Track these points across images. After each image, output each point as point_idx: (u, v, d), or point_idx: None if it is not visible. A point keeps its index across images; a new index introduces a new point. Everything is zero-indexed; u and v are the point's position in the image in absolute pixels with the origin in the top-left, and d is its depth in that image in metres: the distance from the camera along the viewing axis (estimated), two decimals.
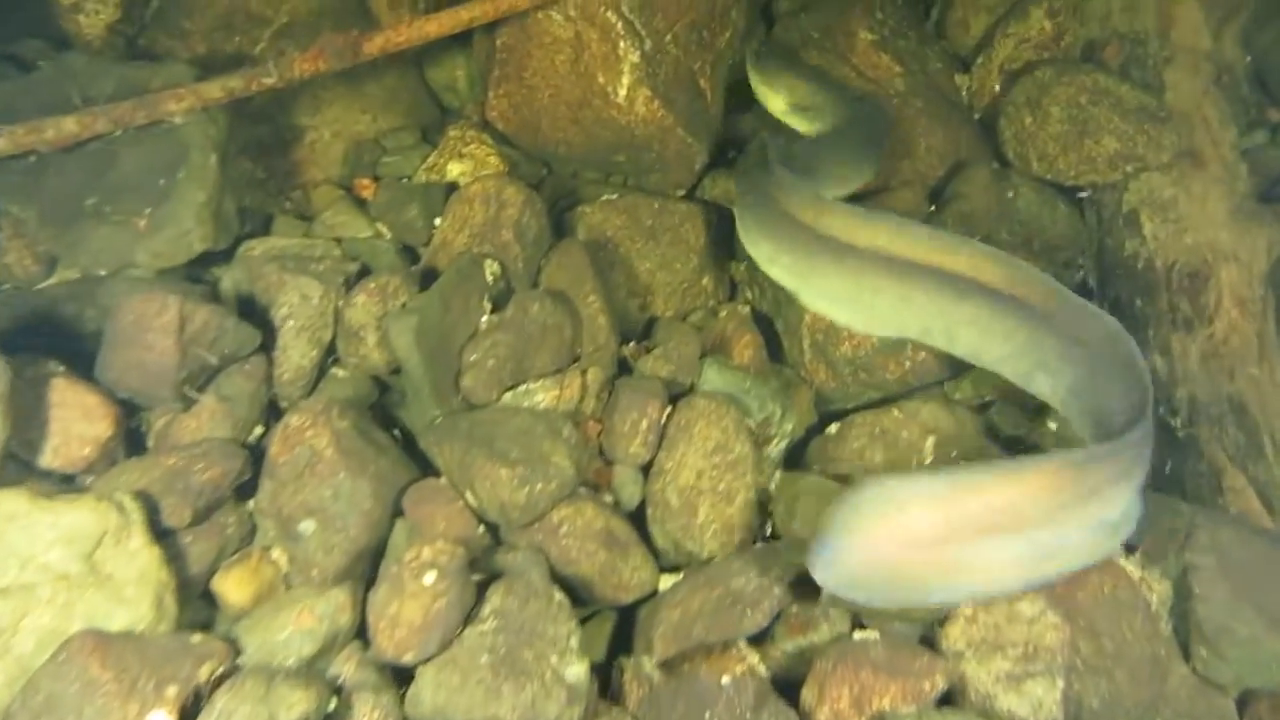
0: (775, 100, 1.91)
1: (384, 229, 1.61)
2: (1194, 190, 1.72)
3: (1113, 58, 1.97)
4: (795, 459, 1.48)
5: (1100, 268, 1.79)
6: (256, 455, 1.26)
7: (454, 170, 1.73)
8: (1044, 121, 1.86)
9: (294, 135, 1.86)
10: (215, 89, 1.48)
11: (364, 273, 1.45)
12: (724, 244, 1.86)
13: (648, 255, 1.74)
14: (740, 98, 2.09)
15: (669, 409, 1.34)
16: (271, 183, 1.80)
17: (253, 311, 1.37)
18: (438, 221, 1.59)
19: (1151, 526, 1.19)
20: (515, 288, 1.47)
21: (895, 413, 1.44)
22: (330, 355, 1.40)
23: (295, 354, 1.34)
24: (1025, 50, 2.07)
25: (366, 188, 1.75)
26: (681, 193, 1.92)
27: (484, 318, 1.38)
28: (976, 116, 2.12)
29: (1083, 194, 1.87)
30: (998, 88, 2.09)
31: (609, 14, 1.69)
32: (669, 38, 1.77)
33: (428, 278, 1.44)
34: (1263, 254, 1.63)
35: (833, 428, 1.44)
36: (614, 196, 1.76)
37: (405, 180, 1.78)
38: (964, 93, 2.16)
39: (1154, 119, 1.77)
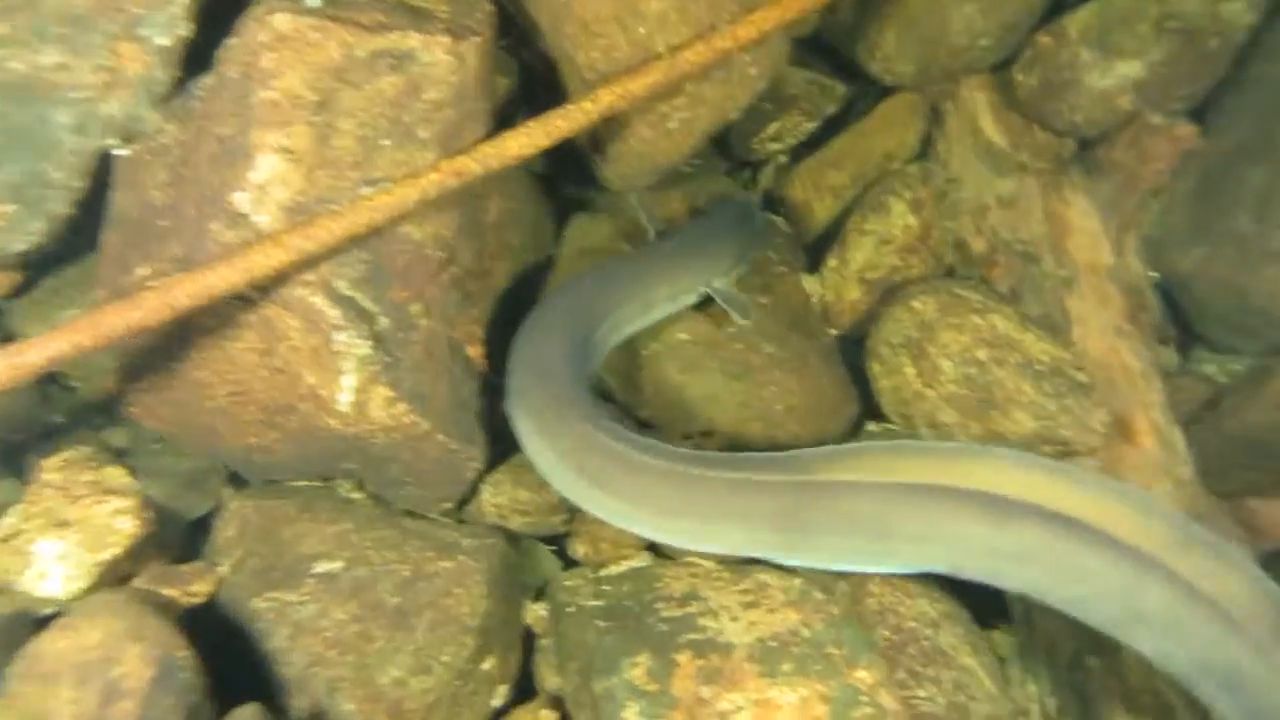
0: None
1: None
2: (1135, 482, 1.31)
3: (1001, 279, 1.54)
4: None
5: None
6: None
7: (47, 555, 1.02)
8: (933, 378, 1.40)
9: None
10: None
11: None
12: (512, 574, 1.27)
13: (394, 657, 1.10)
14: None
15: None
16: None
17: None
18: None
19: None
20: None
21: None
22: None
23: None
24: (888, 254, 1.62)
25: None
26: (448, 506, 1.32)
27: None
28: (834, 333, 1.65)
29: None
30: (858, 299, 1.63)
31: (315, 298, 1.05)
32: (417, 308, 1.15)
33: None
34: None
35: None
36: (336, 568, 1.12)
37: None
38: (815, 300, 1.68)
39: (1075, 387, 1.34)
